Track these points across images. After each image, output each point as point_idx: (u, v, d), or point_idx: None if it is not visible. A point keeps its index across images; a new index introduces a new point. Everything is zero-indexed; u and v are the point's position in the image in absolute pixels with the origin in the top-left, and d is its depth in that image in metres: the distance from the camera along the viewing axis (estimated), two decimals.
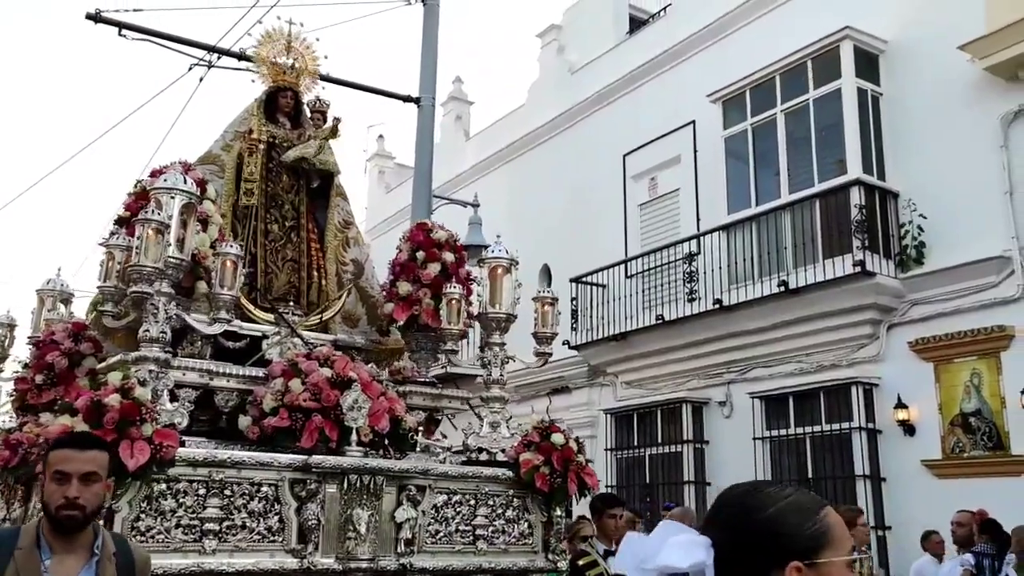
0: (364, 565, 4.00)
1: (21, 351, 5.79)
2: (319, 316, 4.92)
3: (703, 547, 1.35)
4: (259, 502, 3.92)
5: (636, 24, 14.90)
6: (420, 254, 4.95)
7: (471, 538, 4.39)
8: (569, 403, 13.11)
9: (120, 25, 8.76)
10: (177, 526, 3.74)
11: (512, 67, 43.04)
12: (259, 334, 4.58)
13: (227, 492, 3.85)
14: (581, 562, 4.82)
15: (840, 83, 10.10)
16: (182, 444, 3.76)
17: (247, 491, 3.90)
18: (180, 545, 3.73)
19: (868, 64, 10.21)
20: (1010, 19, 8.70)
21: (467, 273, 5.08)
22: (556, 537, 4.55)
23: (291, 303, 4.90)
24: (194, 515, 3.77)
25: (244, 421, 4.19)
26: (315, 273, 5.08)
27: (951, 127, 9.39)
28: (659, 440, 11.87)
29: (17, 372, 4.91)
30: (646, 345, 12.07)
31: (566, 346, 12.20)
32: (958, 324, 9.12)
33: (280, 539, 3.95)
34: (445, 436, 4.89)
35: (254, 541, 3.90)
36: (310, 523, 3.94)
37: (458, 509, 4.39)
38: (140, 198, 4.29)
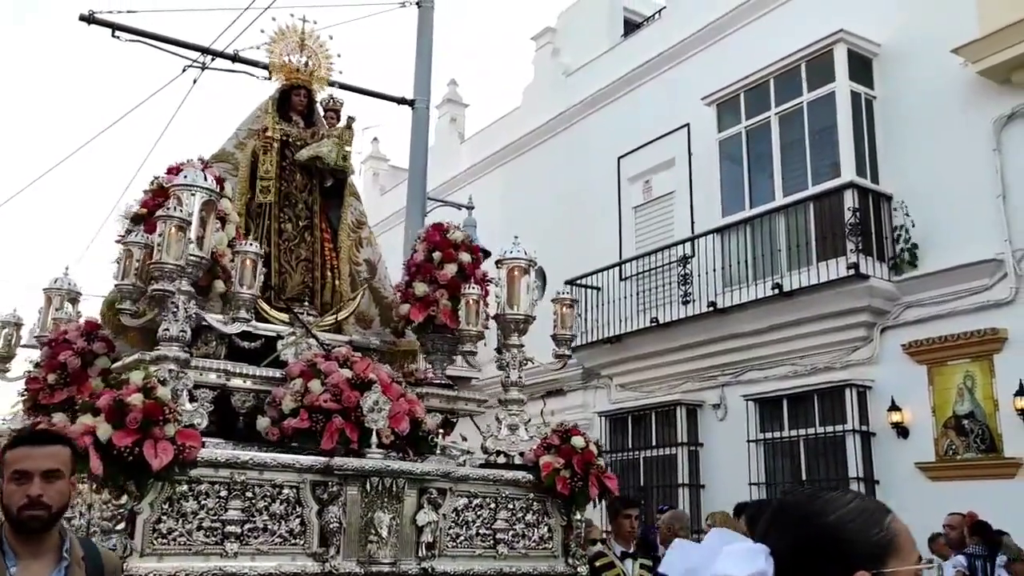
0: (386, 569, 3.95)
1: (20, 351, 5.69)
2: (334, 316, 4.86)
3: (762, 555, 1.31)
4: (280, 504, 3.86)
5: (631, 27, 14.95)
6: (436, 254, 4.90)
7: (491, 542, 4.35)
8: (564, 406, 13.07)
9: (113, 26, 8.69)
10: (199, 528, 3.67)
11: (507, 70, 43.04)
12: (273, 334, 4.52)
13: (248, 494, 3.79)
14: (598, 563, 4.78)
15: (834, 86, 10.16)
16: (202, 445, 3.69)
17: (268, 493, 3.84)
18: (201, 548, 3.66)
19: (862, 67, 10.29)
20: (1003, 23, 8.75)
21: (483, 274, 5.04)
22: (576, 542, 4.51)
23: (305, 303, 4.84)
24: (216, 517, 3.70)
25: (263, 422, 4.12)
26: (329, 273, 5.03)
27: (944, 130, 9.47)
28: (653, 443, 11.88)
29: (29, 372, 4.82)
30: (640, 348, 12.08)
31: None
32: (951, 327, 9.18)
33: (302, 542, 3.89)
34: (465, 438, 4.84)
35: (275, 544, 3.84)
36: (332, 526, 3.88)
37: (479, 513, 4.34)
38: (158, 195, 4.23)
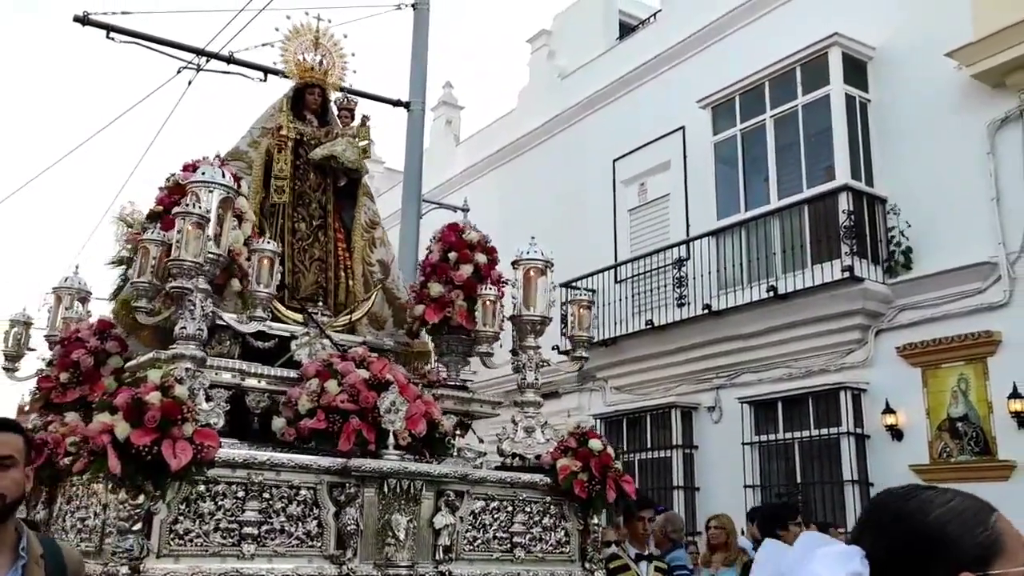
0: (403, 572, 3.90)
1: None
2: (348, 317, 4.81)
3: (857, 557, 1.27)
4: (297, 506, 3.82)
5: (626, 30, 14.99)
6: (452, 255, 4.85)
7: (508, 546, 4.31)
8: (559, 408, 13.05)
9: (108, 28, 8.63)
10: (216, 529, 3.62)
11: (502, 72, 42.97)
12: (287, 334, 4.46)
13: (266, 495, 3.74)
14: (612, 565, 4.74)
15: (828, 89, 10.21)
16: (220, 445, 3.63)
17: (286, 494, 3.79)
18: (218, 549, 3.61)
19: (856, 71, 10.34)
20: (997, 26, 8.80)
21: (499, 275, 4.99)
22: (593, 546, 4.47)
23: (319, 303, 4.79)
24: (232, 518, 3.65)
25: (279, 423, 4.07)
26: (342, 273, 4.97)
27: (938, 133, 9.53)
28: (648, 445, 11.88)
29: (42, 371, 4.74)
30: (636, 350, 12.08)
31: (556, 351, 12.15)
32: (945, 329, 9.22)
33: (319, 544, 3.85)
34: (482, 440, 4.79)
35: (292, 546, 3.79)
36: (349, 528, 3.84)
37: (496, 516, 4.30)
38: (174, 192, 4.17)
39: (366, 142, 5.04)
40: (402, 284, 5.28)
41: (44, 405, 4.50)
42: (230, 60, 8.89)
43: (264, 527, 3.72)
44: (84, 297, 5.50)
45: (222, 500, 3.65)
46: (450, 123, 18.40)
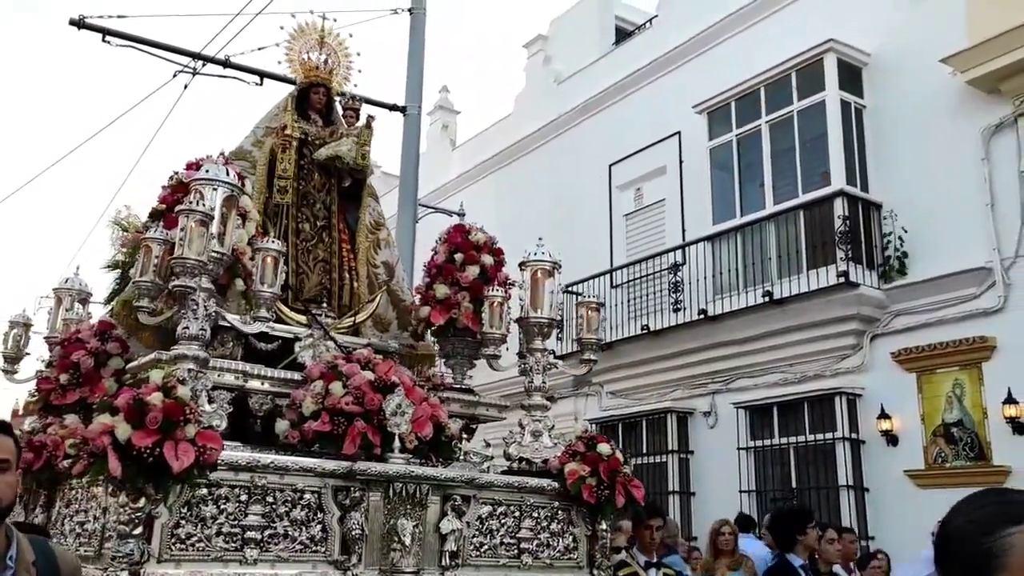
0: None
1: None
2: (352, 319, 4.74)
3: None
4: (301, 510, 3.74)
5: (622, 35, 14.98)
6: (458, 256, 4.79)
7: (516, 551, 4.24)
8: (554, 413, 12.95)
9: (104, 31, 8.61)
10: (218, 534, 3.54)
11: (499, 77, 42.98)
12: (290, 336, 4.39)
13: (269, 499, 3.67)
14: (621, 573, 4.68)
15: (824, 95, 10.22)
16: (222, 447, 3.56)
17: (289, 498, 3.72)
18: (221, 554, 3.54)
19: (851, 76, 10.36)
20: (992, 32, 8.82)
21: (505, 276, 4.94)
22: (602, 552, 4.40)
23: (323, 305, 4.72)
24: (235, 522, 3.58)
25: (282, 425, 4.00)
26: (346, 275, 4.91)
27: (933, 139, 9.55)
28: (644, 450, 11.84)
29: (41, 372, 4.65)
30: (631, 355, 12.04)
31: (552, 355, 12.11)
32: (940, 335, 9.23)
33: (323, 549, 3.77)
34: (489, 444, 4.73)
35: (296, 551, 3.71)
36: (353, 533, 3.76)
37: (503, 521, 4.24)
38: (176, 190, 4.10)
39: (368, 148, 4.98)
40: (407, 286, 5.21)
41: (43, 407, 4.42)
42: (226, 64, 8.87)
43: (267, 532, 3.64)
44: (84, 298, 5.43)
45: (224, 504, 3.57)
46: (446, 127, 18.36)
